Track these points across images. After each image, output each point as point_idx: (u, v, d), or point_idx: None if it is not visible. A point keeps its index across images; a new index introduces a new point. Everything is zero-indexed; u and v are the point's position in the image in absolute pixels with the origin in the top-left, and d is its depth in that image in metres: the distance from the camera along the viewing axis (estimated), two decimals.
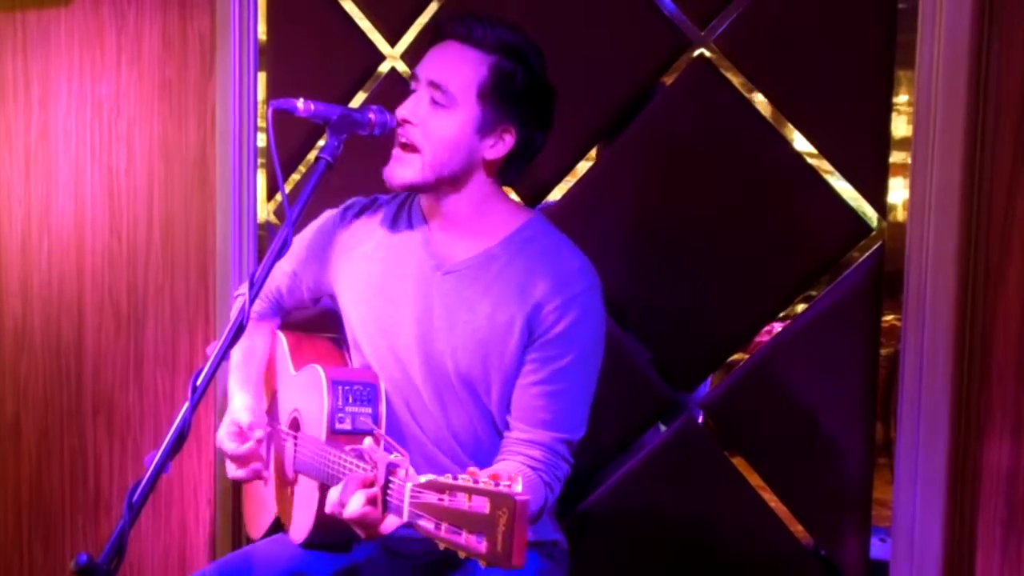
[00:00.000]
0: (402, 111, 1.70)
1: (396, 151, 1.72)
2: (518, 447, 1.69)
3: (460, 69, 1.69)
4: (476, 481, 1.27)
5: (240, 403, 1.80)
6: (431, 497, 1.31)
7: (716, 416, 2.10)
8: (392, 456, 1.43)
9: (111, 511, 2.74)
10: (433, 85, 1.69)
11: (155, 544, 2.67)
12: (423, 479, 1.35)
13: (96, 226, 2.69)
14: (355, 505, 1.44)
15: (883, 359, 1.98)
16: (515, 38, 1.73)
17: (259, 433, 1.74)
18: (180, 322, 2.60)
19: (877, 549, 1.99)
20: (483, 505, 1.24)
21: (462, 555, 1.27)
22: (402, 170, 1.70)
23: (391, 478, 1.42)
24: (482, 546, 1.24)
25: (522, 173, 1.80)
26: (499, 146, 1.73)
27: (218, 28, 2.46)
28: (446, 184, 1.73)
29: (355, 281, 1.85)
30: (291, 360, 1.89)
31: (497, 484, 1.25)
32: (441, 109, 1.69)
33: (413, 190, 1.75)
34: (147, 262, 2.63)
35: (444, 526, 1.28)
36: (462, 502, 1.27)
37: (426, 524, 1.31)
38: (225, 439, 1.75)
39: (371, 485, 1.44)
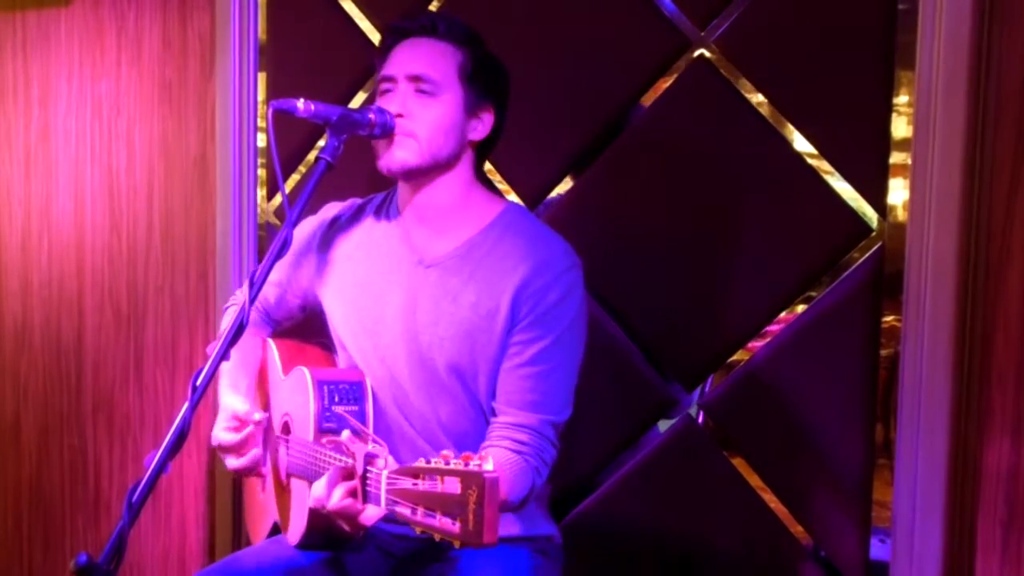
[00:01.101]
0: (392, 107, 1.72)
1: (391, 140, 1.73)
2: (504, 431, 1.69)
3: (437, 59, 1.74)
4: (447, 463, 1.28)
5: (233, 400, 1.80)
6: (406, 483, 1.31)
7: (716, 416, 2.10)
8: (370, 446, 1.43)
9: (111, 511, 2.74)
10: (415, 79, 1.72)
11: (155, 544, 2.67)
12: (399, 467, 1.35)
13: (96, 225, 2.69)
14: (336, 498, 1.45)
15: (883, 359, 1.98)
16: (471, 29, 1.79)
17: (259, 415, 1.75)
18: (180, 322, 2.60)
19: (877, 549, 1.99)
20: (455, 485, 1.25)
21: (437, 537, 1.27)
22: (401, 153, 1.72)
23: (369, 468, 1.42)
24: (455, 527, 1.24)
25: (485, 161, 1.89)
26: (480, 127, 1.78)
27: (218, 28, 2.46)
28: (440, 168, 1.75)
29: (338, 282, 1.86)
30: (281, 366, 1.89)
31: (467, 464, 1.26)
32: (429, 97, 1.72)
33: (411, 174, 1.76)
34: (147, 261, 2.64)
35: (420, 510, 1.29)
36: (435, 484, 1.27)
37: (403, 510, 1.31)
38: (222, 432, 1.76)
39: (351, 477, 1.45)
